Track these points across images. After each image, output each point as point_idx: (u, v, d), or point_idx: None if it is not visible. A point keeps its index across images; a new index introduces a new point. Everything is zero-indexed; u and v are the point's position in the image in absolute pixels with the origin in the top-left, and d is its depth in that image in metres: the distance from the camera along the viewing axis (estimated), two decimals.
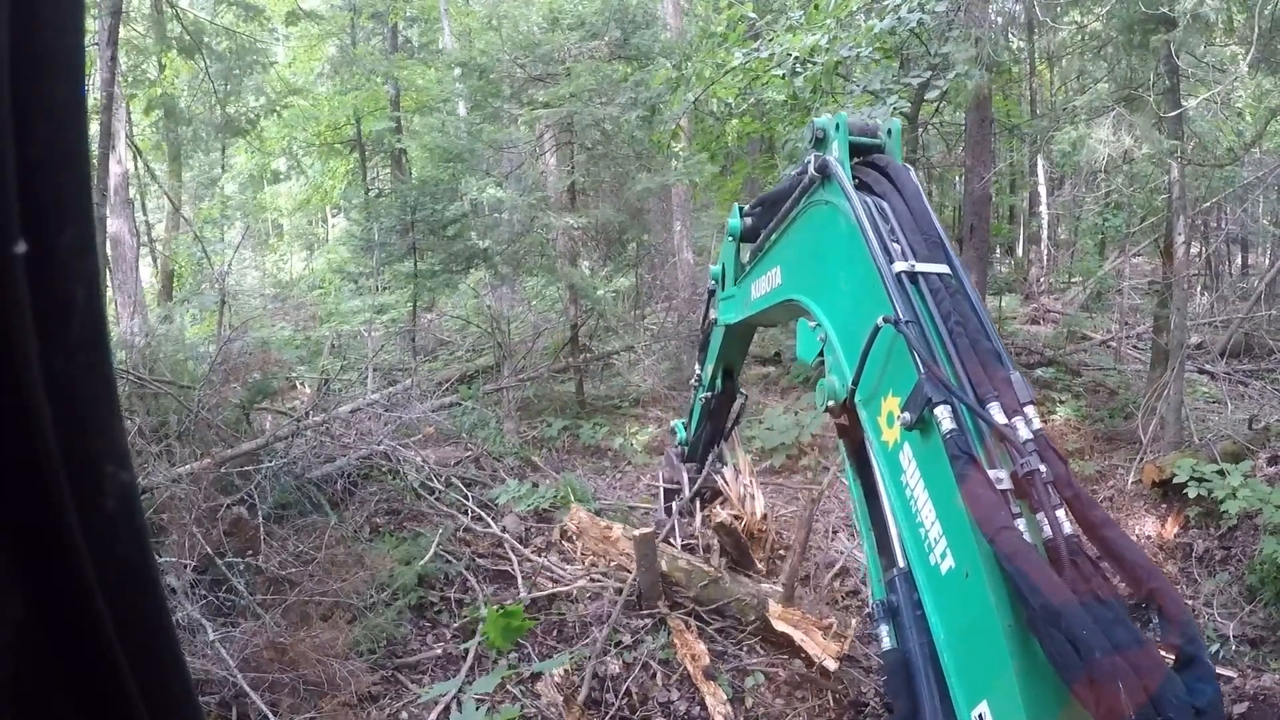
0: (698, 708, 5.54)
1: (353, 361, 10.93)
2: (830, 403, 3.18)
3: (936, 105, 15.52)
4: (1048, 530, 2.29)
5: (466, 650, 6.14)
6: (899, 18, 9.70)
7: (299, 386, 11.47)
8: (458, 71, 14.08)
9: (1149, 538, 8.79)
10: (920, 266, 2.87)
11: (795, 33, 10.42)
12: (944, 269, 2.91)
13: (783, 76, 10.52)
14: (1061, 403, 13.66)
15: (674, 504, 6.78)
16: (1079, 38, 12.92)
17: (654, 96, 12.28)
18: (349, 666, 5.78)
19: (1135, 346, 15.73)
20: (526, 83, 12.49)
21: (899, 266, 2.84)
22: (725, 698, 5.52)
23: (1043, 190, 22.67)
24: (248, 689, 5.40)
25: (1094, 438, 12.27)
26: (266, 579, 6.59)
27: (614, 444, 10.81)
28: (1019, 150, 19.66)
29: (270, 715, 5.36)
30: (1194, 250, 14.43)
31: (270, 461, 7.46)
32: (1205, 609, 6.88)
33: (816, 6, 10.95)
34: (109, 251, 14.79)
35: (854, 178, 3.27)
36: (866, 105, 10.98)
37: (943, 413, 2.43)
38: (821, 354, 3.33)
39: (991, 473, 2.33)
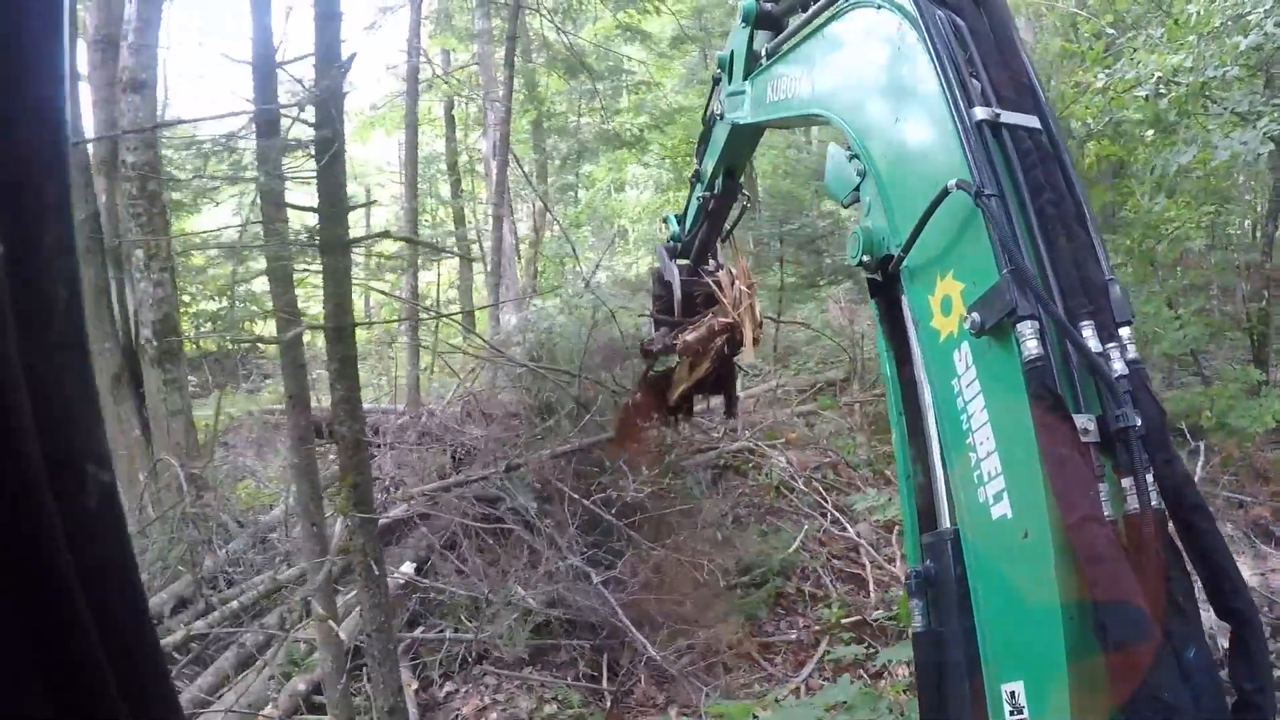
0: None
1: None
2: (865, 257, 2.57)
3: None
4: (1132, 501, 1.90)
5: (818, 640, 6.67)
6: (1264, 33, 8.80)
7: None
8: None
9: None
10: (1006, 116, 2.22)
11: (1157, 51, 9.82)
12: (1035, 123, 2.28)
13: (1145, 98, 9.95)
14: None
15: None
16: None
17: None
18: (714, 631, 6.46)
19: None
20: None
21: (980, 113, 2.18)
22: None
23: None
24: (630, 627, 6.27)
25: None
26: (644, 545, 7.45)
27: None
28: None
29: (649, 644, 6.21)
30: None
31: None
32: None
33: (1176, 21, 10.24)
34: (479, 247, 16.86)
35: None
36: (1234, 129, 10.14)
37: (1027, 330, 1.92)
38: (856, 191, 2.69)
39: (1077, 419, 1.91)
